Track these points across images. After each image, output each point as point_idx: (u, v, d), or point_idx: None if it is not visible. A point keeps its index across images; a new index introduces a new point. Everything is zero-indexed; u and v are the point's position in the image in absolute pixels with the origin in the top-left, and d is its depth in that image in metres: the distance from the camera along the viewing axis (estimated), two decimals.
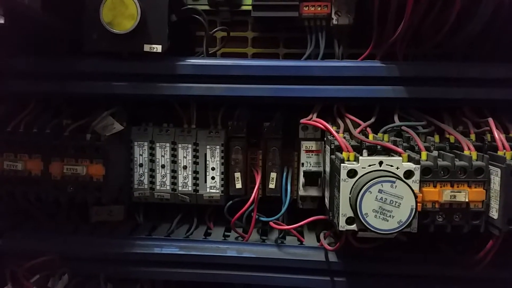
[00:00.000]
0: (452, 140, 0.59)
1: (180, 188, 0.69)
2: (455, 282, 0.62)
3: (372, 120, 0.62)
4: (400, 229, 0.48)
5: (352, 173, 0.50)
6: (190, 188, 0.69)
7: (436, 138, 0.60)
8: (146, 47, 0.60)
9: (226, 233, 0.71)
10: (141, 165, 0.68)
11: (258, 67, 0.62)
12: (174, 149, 0.68)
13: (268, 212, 0.67)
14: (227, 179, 0.69)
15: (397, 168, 0.49)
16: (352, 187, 0.50)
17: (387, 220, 0.48)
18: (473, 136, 0.60)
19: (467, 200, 0.51)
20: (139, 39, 0.60)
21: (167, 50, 0.62)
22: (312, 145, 0.66)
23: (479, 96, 0.61)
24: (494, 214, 0.52)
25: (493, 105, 0.63)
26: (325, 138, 0.64)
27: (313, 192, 0.67)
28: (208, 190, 0.69)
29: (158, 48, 0.60)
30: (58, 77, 0.63)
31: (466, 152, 0.54)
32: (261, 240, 0.69)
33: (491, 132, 0.56)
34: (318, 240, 0.68)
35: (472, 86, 0.60)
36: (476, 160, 0.53)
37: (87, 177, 0.60)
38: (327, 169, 0.61)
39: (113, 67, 0.62)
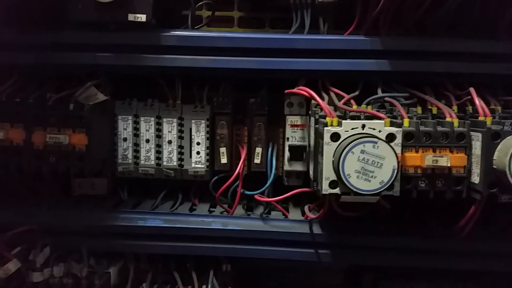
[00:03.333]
0: (434, 111, 0.60)
1: (165, 163, 0.68)
2: (439, 254, 0.62)
3: (356, 93, 0.63)
4: (382, 189, 0.48)
5: (335, 137, 0.50)
6: (175, 163, 0.68)
7: (419, 109, 0.60)
8: (131, 17, 0.60)
9: (211, 209, 0.71)
10: (125, 139, 0.68)
11: (243, 39, 0.63)
12: (159, 124, 0.68)
13: (253, 189, 0.67)
14: (212, 154, 0.69)
15: (380, 131, 0.50)
16: (335, 150, 0.50)
17: (369, 181, 0.48)
18: (455, 108, 0.60)
19: (449, 164, 0.52)
20: (123, 9, 0.60)
21: (152, 22, 0.62)
22: (297, 119, 0.67)
23: (460, 70, 0.62)
24: (475, 179, 0.53)
25: (474, 80, 0.64)
26: (309, 111, 0.64)
27: (298, 167, 0.67)
28: (193, 165, 0.68)
29: (142, 17, 0.60)
30: (41, 49, 0.63)
31: (448, 119, 0.54)
32: (246, 215, 0.69)
33: (472, 101, 0.57)
34: (303, 215, 0.68)
35: (453, 60, 0.61)
36: (458, 126, 0.54)
37: (69, 147, 0.59)
38: (311, 141, 0.62)
39: (97, 38, 0.62)
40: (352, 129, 0.50)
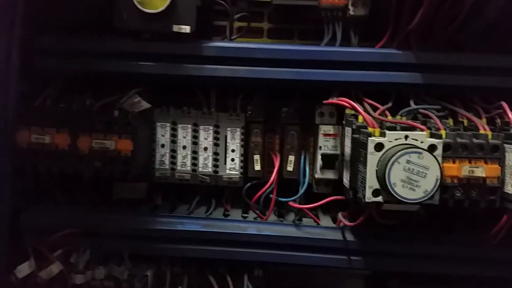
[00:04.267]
0: (465, 123, 0.62)
1: (200, 169, 0.70)
2: (472, 262, 0.64)
3: (389, 104, 0.65)
4: (426, 198, 0.51)
5: (379, 147, 0.53)
6: (210, 169, 0.70)
7: (451, 121, 0.63)
8: (175, 28, 0.62)
9: (244, 215, 0.73)
10: (163, 145, 0.70)
11: (281, 51, 0.65)
12: (195, 131, 0.70)
13: (283, 196, 0.69)
14: (245, 161, 0.71)
15: (422, 142, 0.52)
16: (379, 160, 0.52)
17: (414, 190, 0.50)
18: (484, 121, 0.63)
19: (484, 175, 0.54)
20: (169, 19, 0.62)
21: (193, 33, 0.64)
22: (330, 129, 0.69)
23: (490, 84, 0.64)
24: (509, 189, 0.55)
25: (503, 94, 0.66)
26: (343, 122, 0.67)
27: (329, 175, 0.69)
28: (227, 171, 0.70)
29: (186, 28, 0.62)
30: (84, 56, 0.65)
31: (482, 132, 0.57)
32: (279, 221, 0.70)
33: (502, 114, 0.60)
34: (333, 222, 0.70)
35: (484, 75, 0.64)
36: (492, 139, 0.56)
37: (115, 152, 0.61)
38: (347, 150, 0.64)
39: (140, 47, 0.64)
40: (396, 139, 0.52)
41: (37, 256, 0.62)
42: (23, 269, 0.61)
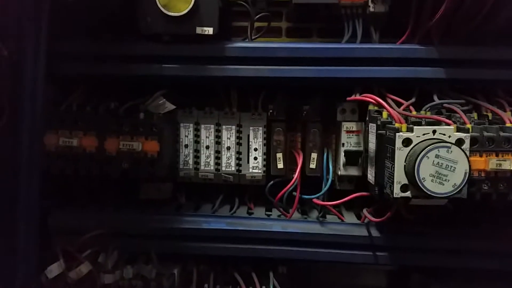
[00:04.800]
0: (490, 117, 0.62)
1: (223, 168, 0.71)
2: (498, 256, 0.64)
3: (413, 99, 0.65)
4: (455, 192, 0.51)
5: (406, 142, 0.53)
6: (233, 168, 0.71)
7: (475, 115, 0.63)
8: (198, 30, 0.63)
9: (267, 213, 0.73)
10: (186, 146, 0.71)
11: (304, 49, 0.65)
12: (218, 131, 0.71)
13: (305, 193, 0.69)
14: (268, 160, 0.71)
15: (449, 136, 0.52)
16: (407, 155, 0.52)
17: (443, 184, 0.50)
18: (509, 114, 0.62)
19: None
20: (192, 22, 0.63)
21: (215, 35, 0.65)
22: (352, 125, 0.69)
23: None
24: None
25: None
26: (366, 118, 0.67)
27: (353, 171, 0.70)
28: (250, 170, 0.71)
29: (209, 30, 0.63)
30: (109, 60, 0.66)
31: (508, 125, 0.57)
32: (303, 218, 0.71)
33: None
34: (357, 219, 0.70)
35: (507, 68, 0.64)
36: None
37: (142, 153, 0.62)
38: (371, 147, 0.64)
39: (164, 49, 0.65)
40: (423, 134, 0.52)
41: (66, 257, 0.63)
42: (53, 270, 0.62)
